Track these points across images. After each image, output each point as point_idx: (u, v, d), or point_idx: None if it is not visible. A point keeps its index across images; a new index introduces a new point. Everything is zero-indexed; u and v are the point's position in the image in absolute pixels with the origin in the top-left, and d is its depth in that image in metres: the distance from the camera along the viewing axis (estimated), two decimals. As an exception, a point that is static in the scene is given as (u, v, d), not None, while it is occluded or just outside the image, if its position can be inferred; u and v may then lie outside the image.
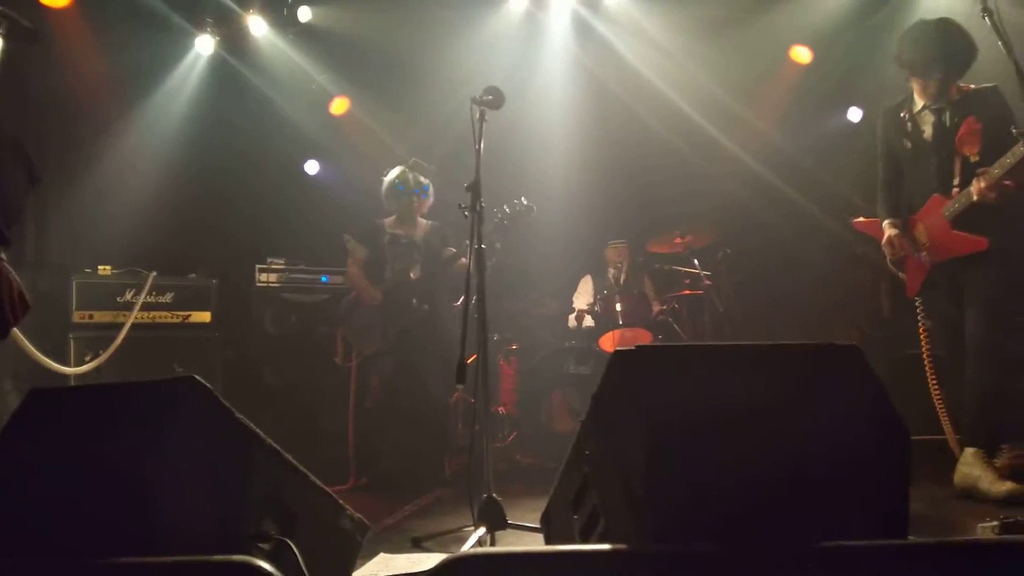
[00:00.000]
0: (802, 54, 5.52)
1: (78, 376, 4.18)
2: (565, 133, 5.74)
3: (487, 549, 1.95)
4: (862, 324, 5.59)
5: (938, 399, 3.94)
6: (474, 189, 2.67)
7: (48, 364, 3.84)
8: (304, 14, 5.41)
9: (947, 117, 3.25)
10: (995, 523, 2.30)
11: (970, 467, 3.12)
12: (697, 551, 1.03)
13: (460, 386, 2.96)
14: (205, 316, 4.84)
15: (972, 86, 3.29)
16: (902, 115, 3.40)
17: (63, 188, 4.85)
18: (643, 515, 1.62)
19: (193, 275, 4.88)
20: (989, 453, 3.11)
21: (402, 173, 4.50)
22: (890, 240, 3.47)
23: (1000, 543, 1.54)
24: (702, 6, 5.32)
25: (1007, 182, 3.04)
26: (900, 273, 3.58)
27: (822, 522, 1.58)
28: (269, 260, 5.08)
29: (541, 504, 2.77)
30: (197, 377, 2.01)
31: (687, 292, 5.30)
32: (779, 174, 5.72)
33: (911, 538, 1.75)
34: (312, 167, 6.07)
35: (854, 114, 5.86)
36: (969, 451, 3.16)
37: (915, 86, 3.34)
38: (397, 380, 4.31)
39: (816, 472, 1.65)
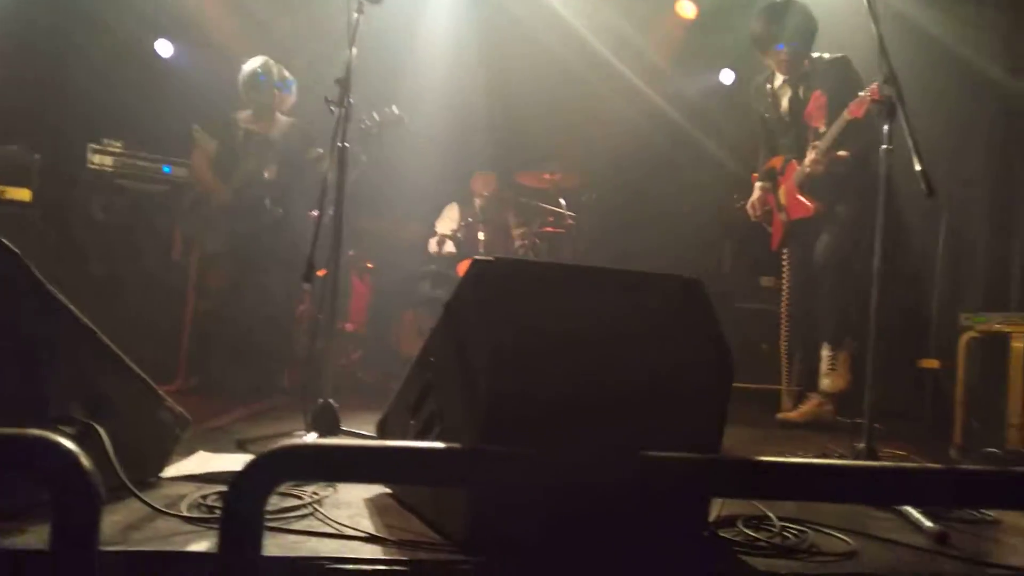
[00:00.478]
0: (687, 9, 5.61)
1: None
2: (446, 51, 5.56)
3: (313, 441, 1.90)
4: (703, 278, 5.93)
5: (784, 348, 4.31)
6: (344, 84, 2.50)
7: None
8: None
9: (800, 91, 3.49)
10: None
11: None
12: (521, 453, 1.04)
13: (307, 286, 2.79)
14: (24, 194, 4.33)
15: (825, 56, 3.48)
16: (767, 87, 3.63)
17: None
18: (477, 420, 1.63)
19: (14, 147, 4.34)
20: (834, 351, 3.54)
21: (265, 63, 4.20)
22: (753, 202, 3.86)
23: (799, 464, 1.69)
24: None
25: (840, 152, 3.30)
26: (768, 227, 3.92)
27: (646, 434, 1.65)
28: (105, 141, 4.59)
29: (379, 417, 2.75)
30: (3, 241, 1.79)
31: (549, 229, 5.36)
32: (653, 127, 5.86)
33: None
34: (165, 48, 5.50)
35: (726, 76, 6.06)
36: (823, 349, 3.56)
37: (769, 62, 3.55)
38: (239, 284, 4.09)
39: (647, 388, 1.72)
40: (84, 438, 1.70)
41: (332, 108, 2.51)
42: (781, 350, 4.12)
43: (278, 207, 4.14)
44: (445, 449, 1.23)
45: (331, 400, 2.30)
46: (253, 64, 4.19)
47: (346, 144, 2.54)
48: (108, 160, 4.58)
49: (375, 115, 3.77)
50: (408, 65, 5.45)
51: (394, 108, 3.80)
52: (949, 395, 3.68)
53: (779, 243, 3.86)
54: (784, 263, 3.95)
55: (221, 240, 4.03)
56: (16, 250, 1.81)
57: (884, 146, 2.30)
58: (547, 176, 5.29)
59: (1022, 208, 4.21)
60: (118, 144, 4.62)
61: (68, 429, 1.72)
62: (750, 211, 3.90)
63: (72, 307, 1.85)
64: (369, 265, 5.13)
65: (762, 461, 1.03)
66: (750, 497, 1.72)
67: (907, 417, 3.92)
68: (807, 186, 3.56)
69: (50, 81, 4.88)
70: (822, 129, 3.42)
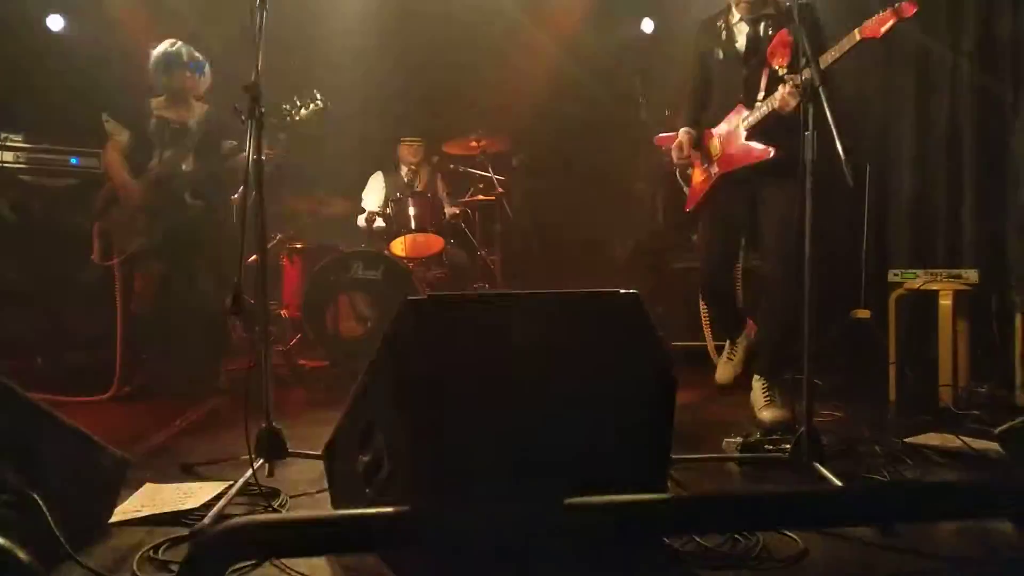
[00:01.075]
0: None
1: None
2: (360, 14, 5.37)
3: (267, 517, 1.91)
4: (639, 235, 6.02)
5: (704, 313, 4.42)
6: (253, 90, 2.39)
7: None
8: None
9: (761, 28, 3.21)
10: (739, 439, 2.66)
11: (755, 393, 3.30)
12: (458, 515, 1.10)
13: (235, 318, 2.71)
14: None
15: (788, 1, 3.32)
16: (719, 24, 3.33)
17: None
18: (422, 461, 1.67)
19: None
20: (770, 384, 3.26)
21: (175, 46, 3.98)
22: (679, 143, 3.40)
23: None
24: None
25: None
26: (684, 186, 3.54)
27: (590, 465, 1.72)
28: (4, 135, 4.30)
29: (322, 418, 2.75)
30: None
31: (480, 198, 5.34)
32: (576, 80, 5.83)
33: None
34: (55, 23, 5.13)
35: (647, 25, 6.01)
36: (757, 381, 3.30)
37: None
38: (166, 281, 3.96)
39: (593, 410, 1.79)
40: (21, 508, 1.66)
41: (243, 118, 2.40)
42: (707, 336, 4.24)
43: (199, 199, 3.99)
44: (392, 516, 1.26)
45: (275, 424, 2.29)
46: (163, 46, 3.97)
47: (263, 157, 2.44)
48: (9, 156, 4.31)
49: (296, 101, 3.65)
50: (321, 33, 5.25)
51: (317, 94, 3.67)
52: (882, 347, 3.78)
53: (699, 203, 3.44)
54: (702, 230, 3.58)
55: (142, 237, 3.87)
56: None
57: (808, 132, 2.35)
58: (473, 143, 5.22)
59: (945, 160, 4.19)
60: (19, 138, 4.34)
61: (5, 497, 1.68)
62: (674, 154, 3.42)
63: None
64: (298, 246, 5.02)
65: (686, 499, 1.10)
66: (678, 534, 1.76)
67: (841, 370, 3.99)
68: (757, 131, 3.18)
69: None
70: (782, 70, 3.10)
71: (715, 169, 3.35)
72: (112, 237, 3.88)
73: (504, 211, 5.27)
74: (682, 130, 3.43)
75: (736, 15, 3.29)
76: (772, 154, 3.08)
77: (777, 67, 3.13)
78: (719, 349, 4.08)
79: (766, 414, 3.18)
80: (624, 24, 6.03)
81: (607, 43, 5.96)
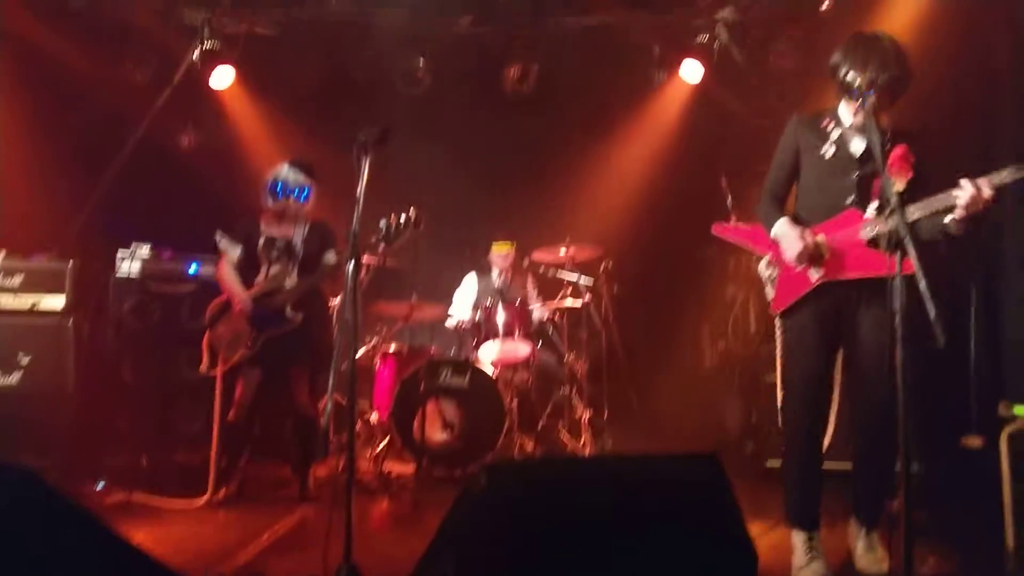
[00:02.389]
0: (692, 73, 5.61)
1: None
2: (452, 123, 5.68)
3: None
4: (729, 337, 5.90)
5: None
6: (353, 241, 2.58)
7: None
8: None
9: (876, 137, 2.90)
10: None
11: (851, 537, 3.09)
12: None
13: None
14: (57, 302, 4.47)
15: (896, 120, 3.13)
16: (825, 125, 3.16)
17: None
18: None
19: (45, 256, 4.50)
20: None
21: (283, 171, 4.31)
22: (809, 246, 3.03)
23: None
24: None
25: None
26: (769, 284, 3.24)
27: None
28: (133, 245, 4.73)
29: (403, 545, 2.76)
30: (33, 471, 1.85)
31: (568, 303, 5.40)
32: (664, 184, 5.89)
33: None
34: (184, 141, 5.69)
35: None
36: (853, 525, 3.10)
37: (847, 104, 3.13)
38: (263, 391, 4.18)
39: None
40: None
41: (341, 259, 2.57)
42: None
43: (299, 311, 4.22)
44: None
45: (353, 565, 2.34)
46: (277, 170, 4.30)
47: (357, 298, 2.60)
48: (136, 264, 4.73)
49: (392, 217, 3.85)
50: (414, 141, 5.57)
51: (412, 210, 3.87)
52: (995, 478, 3.51)
53: (791, 307, 3.10)
54: (791, 338, 3.15)
55: (244, 349, 4.12)
56: (32, 469, 1.87)
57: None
58: (562, 251, 5.32)
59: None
60: (146, 247, 4.76)
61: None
62: (795, 253, 3.03)
63: (91, 516, 1.90)
64: (391, 350, 5.19)
65: None
66: None
67: (949, 502, 3.68)
68: (875, 242, 2.95)
69: (81, 186, 5.05)
70: (900, 185, 2.95)
71: (819, 273, 3.04)
72: (219, 348, 4.15)
73: (591, 318, 5.29)
74: (785, 226, 3.09)
75: (847, 120, 3.13)
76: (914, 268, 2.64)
77: (895, 180, 2.95)
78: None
79: (864, 563, 2.96)
80: (710, 125, 6.08)
81: (694, 144, 6.01)
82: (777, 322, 3.24)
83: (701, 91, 5.64)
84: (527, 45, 5.55)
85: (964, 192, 2.72)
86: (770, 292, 3.22)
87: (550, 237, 5.41)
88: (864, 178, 3.02)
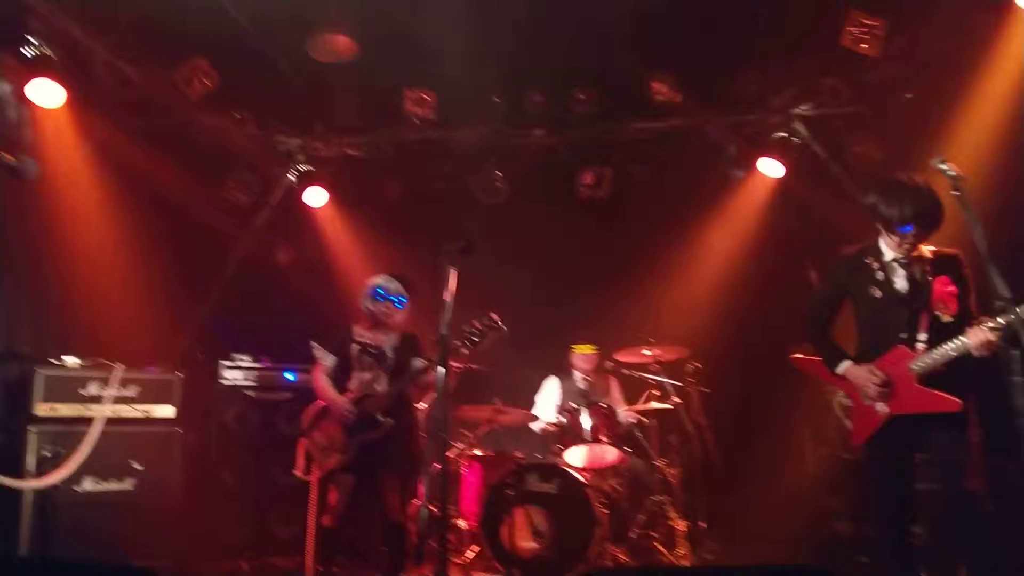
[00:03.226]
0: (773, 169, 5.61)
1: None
2: (530, 225, 5.84)
3: None
4: (833, 443, 5.60)
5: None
6: (443, 344, 2.67)
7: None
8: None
9: (918, 272, 3.27)
10: None
11: None
12: None
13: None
14: (168, 411, 4.74)
15: (934, 248, 3.31)
16: (868, 262, 3.37)
17: (30, 276, 4.79)
18: None
19: (155, 369, 4.82)
20: None
21: (384, 279, 4.51)
22: (873, 383, 3.23)
23: None
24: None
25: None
26: (845, 418, 3.44)
27: None
28: (235, 356, 5.02)
29: None
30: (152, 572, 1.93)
31: (656, 405, 5.29)
32: (750, 281, 5.80)
33: None
34: (280, 257, 6.09)
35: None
36: None
37: (887, 239, 3.34)
38: (356, 497, 4.24)
39: None
40: None
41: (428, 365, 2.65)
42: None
43: (389, 417, 4.31)
44: None
45: None
46: (378, 279, 4.51)
47: (446, 405, 2.66)
48: (239, 374, 4.99)
49: (476, 324, 3.96)
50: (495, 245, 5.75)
51: (494, 317, 3.97)
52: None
53: (867, 438, 3.30)
54: (872, 473, 3.38)
55: (339, 455, 4.21)
56: (150, 570, 1.96)
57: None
58: (646, 351, 5.26)
59: None
60: (246, 357, 5.04)
61: None
62: (871, 389, 3.23)
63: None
64: (477, 454, 5.19)
65: None
66: None
67: None
68: (926, 378, 3.16)
69: (183, 301, 5.42)
70: (947, 317, 3.18)
71: (885, 409, 3.25)
72: (314, 454, 4.26)
73: (681, 421, 5.15)
74: (849, 366, 3.36)
75: (887, 254, 3.34)
76: (960, 406, 3.04)
77: (941, 313, 3.19)
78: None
79: None
80: (793, 218, 6.00)
81: (778, 239, 5.92)
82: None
83: (782, 185, 5.62)
84: (599, 151, 5.75)
85: (971, 340, 2.99)
86: (847, 424, 3.44)
87: (633, 338, 5.38)
88: (912, 315, 3.24)
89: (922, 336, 3.21)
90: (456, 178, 5.86)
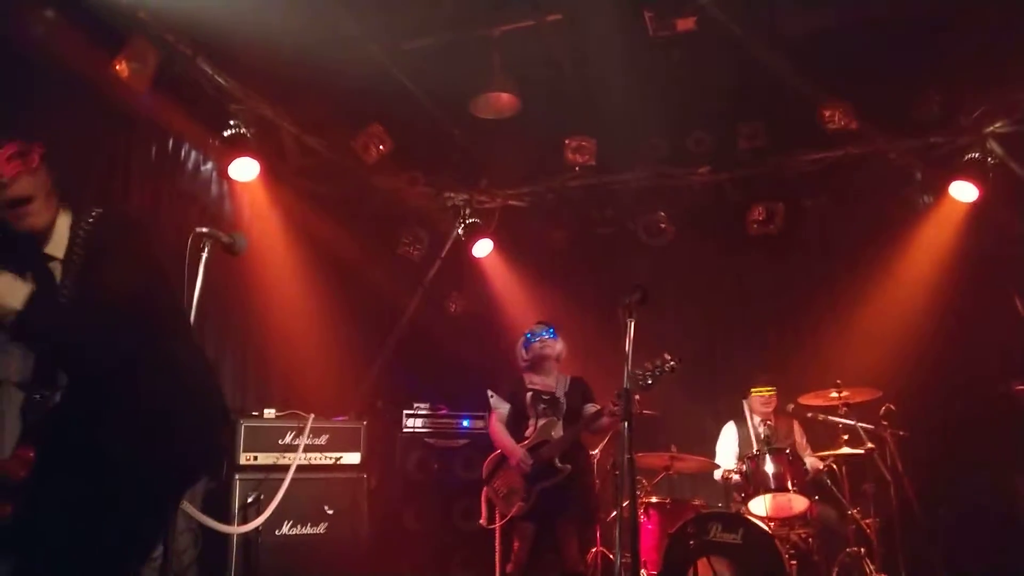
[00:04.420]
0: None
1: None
2: (699, 275, 5.71)
3: None
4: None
5: None
6: (625, 397, 2.66)
7: (209, 523, 4.07)
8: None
9: None
10: None
11: None
12: None
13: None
14: (355, 458, 4.98)
15: None
16: None
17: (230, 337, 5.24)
18: None
19: (344, 417, 5.10)
20: None
21: (532, 327, 4.59)
22: None
23: None
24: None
25: None
26: None
27: None
28: (415, 405, 5.23)
29: None
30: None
31: (846, 451, 4.93)
32: (939, 316, 5.35)
33: None
34: (451, 307, 6.31)
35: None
36: None
37: None
38: (538, 541, 4.24)
39: None
40: None
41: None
42: None
43: (566, 462, 4.30)
44: None
45: None
46: (532, 328, 4.60)
47: (631, 458, 2.63)
48: (418, 422, 5.19)
49: (648, 364, 3.90)
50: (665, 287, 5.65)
51: (667, 357, 3.90)
52: None
53: None
54: None
55: (521, 502, 4.25)
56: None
57: None
58: (834, 393, 4.94)
59: None
60: (425, 406, 5.24)
61: None
62: None
63: None
64: (653, 500, 5.05)
65: None
66: None
67: None
68: None
69: (363, 353, 5.74)
70: None
71: None
72: (496, 502, 4.33)
73: (876, 467, 4.77)
74: None
75: None
76: None
77: None
78: None
79: None
80: (991, 245, 5.48)
81: (976, 267, 5.42)
82: None
83: (978, 210, 5.17)
84: (769, 185, 5.55)
85: None
86: None
87: (817, 380, 5.07)
88: None
89: None
90: (620, 222, 5.87)
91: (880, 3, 4.39)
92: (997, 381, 5.18)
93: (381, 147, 5.29)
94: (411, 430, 5.17)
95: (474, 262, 6.12)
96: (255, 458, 4.70)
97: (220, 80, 4.56)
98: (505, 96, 4.92)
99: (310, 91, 4.99)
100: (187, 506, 3.96)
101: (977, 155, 4.95)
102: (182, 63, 4.36)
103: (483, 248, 6.02)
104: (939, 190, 5.20)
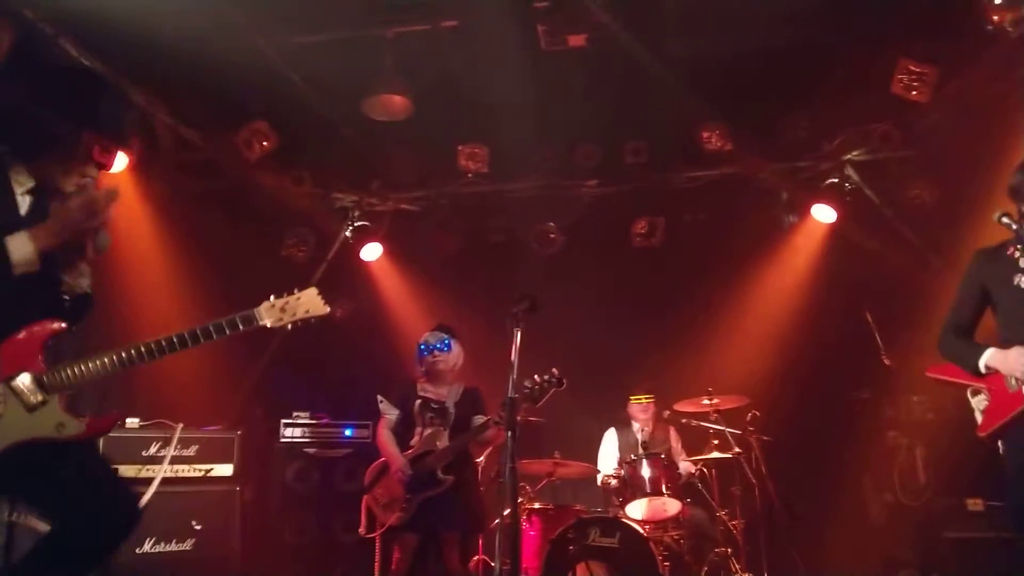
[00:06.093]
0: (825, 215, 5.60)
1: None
2: (584, 278, 5.85)
3: None
4: (897, 490, 5.47)
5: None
6: (510, 406, 2.67)
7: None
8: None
9: None
10: None
11: None
12: None
13: None
14: (227, 469, 4.75)
15: None
16: (1009, 253, 3.10)
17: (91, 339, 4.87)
18: None
19: (217, 427, 4.85)
20: None
21: (426, 336, 4.53)
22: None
23: None
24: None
25: None
26: (977, 410, 3.14)
27: None
28: (295, 414, 5.05)
29: None
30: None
31: (716, 455, 5.19)
32: (800, 329, 5.75)
33: None
34: (336, 312, 6.14)
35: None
36: None
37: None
38: (420, 552, 4.19)
39: None
40: None
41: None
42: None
43: (449, 474, 4.27)
44: None
45: None
46: (425, 336, 4.54)
47: (513, 466, 2.65)
48: (298, 431, 5.01)
49: (536, 378, 3.95)
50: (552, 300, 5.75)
51: (554, 372, 3.96)
52: None
53: (1003, 426, 3.02)
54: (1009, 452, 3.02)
55: (401, 512, 4.18)
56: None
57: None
58: (706, 402, 5.20)
59: None
60: (305, 415, 5.06)
61: None
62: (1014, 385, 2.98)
63: None
64: (536, 506, 5.12)
65: None
66: None
67: None
68: None
69: (241, 359, 5.48)
70: None
71: None
72: (375, 512, 4.24)
73: (743, 471, 5.06)
74: (1015, 350, 3.00)
75: None
76: None
77: None
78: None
79: None
80: (849, 264, 5.96)
81: (834, 284, 5.88)
82: (1000, 444, 3.07)
83: (836, 231, 5.60)
84: (652, 200, 5.78)
85: None
86: (979, 418, 3.11)
87: (691, 388, 5.32)
88: None
89: None
90: (511, 230, 5.93)
91: (755, 33, 4.67)
92: (849, 389, 5.63)
93: (265, 143, 5.08)
94: (289, 440, 4.97)
95: (362, 266, 5.99)
96: (115, 470, 4.37)
97: (86, 63, 4.22)
98: (398, 99, 4.85)
99: (190, 81, 4.72)
100: (32, 520, 3.62)
101: (836, 180, 5.37)
102: (43, 43, 4.00)
103: (372, 252, 5.90)
104: (803, 211, 5.59)
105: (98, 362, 2.33)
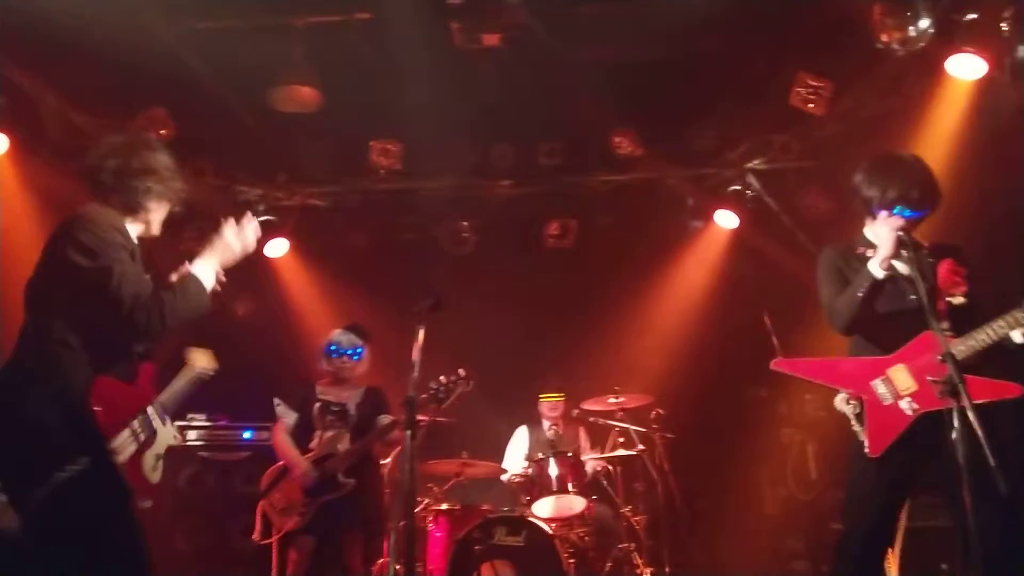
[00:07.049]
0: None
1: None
2: (496, 278, 5.86)
3: None
4: (790, 484, 5.70)
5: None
6: (410, 405, 2.64)
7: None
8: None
9: (920, 256, 2.82)
10: None
11: None
12: None
13: None
14: (114, 472, 4.50)
15: (930, 237, 3.05)
16: (859, 252, 2.96)
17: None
18: None
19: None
20: None
21: (337, 334, 4.43)
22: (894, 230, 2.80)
23: None
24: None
25: None
26: (855, 423, 2.88)
27: None
28: (188, 416, 4.82)
29: None
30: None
31: (621, 452, 5.29)
32: (703, 330, 5.94)
33: None
34: (239, 310, 5.93)
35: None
36: None
37: (871, 225, 2.98)
38: (317, 559, 4.09)
39: None
40: None
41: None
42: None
43: (351, 477, 4.17)
44: None
45: None
46: (333, 334, 4.42)
47: (413, 468, 2.62)
48: (193, 434, 4.79)
49: (443, 379, 3.92)
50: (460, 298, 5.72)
51: (461, 372, 3.94)
52: None
53: (889, 446, 2.78)
54: (866, 479, 2.84)
55: (298, 516, 4.06)
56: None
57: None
58: (612, 400, 5.29)
59: None
60: (201, 416, 4.84)
61: None
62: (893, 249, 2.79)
63: None
64: (443, 507, 5.08)
65: None
66: None
67: None
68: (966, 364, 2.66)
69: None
70: (960, 299, 2.82)
71: (915, 405, 2.79)
72: (272, 517, 4.10)
73: (645, 468, 5.17)
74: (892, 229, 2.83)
75: (878, 242, 2.91)
76: (1021, 391, 2.64)
77: (954, 296, 2.83)
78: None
79: None
80: (749, 268, 6.18)
81: (735, 287, 6.08)
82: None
83: (738, 236, 5.80)
84: (565, 202, 5.84)
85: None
86: (859, 429, 2.87)
87: (599, 387, 5.40)
88: (928, 302, 2.67)
89: (945, 323, 2.78)
90: (423, 228, 5.86)
91: (665, 43, 4.78)
92: (747, 388, 5.84)
93: (162, 132, 4.83)
94: (182, 442, 4.74)
95: (267, 262, 5.78)
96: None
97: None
98: (307, 90, 4.71)
99: (79, 62, 4.44)
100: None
101: (739, 187, 5.57)
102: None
103: (278, 247, 5.71)
104: (707, 216, 5.77)
105: None
